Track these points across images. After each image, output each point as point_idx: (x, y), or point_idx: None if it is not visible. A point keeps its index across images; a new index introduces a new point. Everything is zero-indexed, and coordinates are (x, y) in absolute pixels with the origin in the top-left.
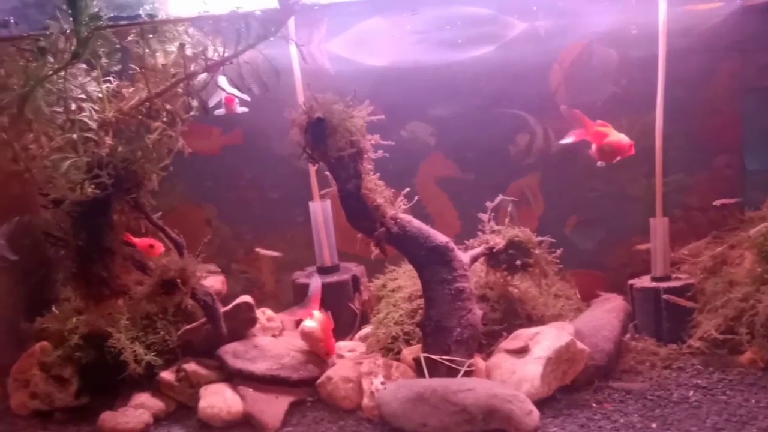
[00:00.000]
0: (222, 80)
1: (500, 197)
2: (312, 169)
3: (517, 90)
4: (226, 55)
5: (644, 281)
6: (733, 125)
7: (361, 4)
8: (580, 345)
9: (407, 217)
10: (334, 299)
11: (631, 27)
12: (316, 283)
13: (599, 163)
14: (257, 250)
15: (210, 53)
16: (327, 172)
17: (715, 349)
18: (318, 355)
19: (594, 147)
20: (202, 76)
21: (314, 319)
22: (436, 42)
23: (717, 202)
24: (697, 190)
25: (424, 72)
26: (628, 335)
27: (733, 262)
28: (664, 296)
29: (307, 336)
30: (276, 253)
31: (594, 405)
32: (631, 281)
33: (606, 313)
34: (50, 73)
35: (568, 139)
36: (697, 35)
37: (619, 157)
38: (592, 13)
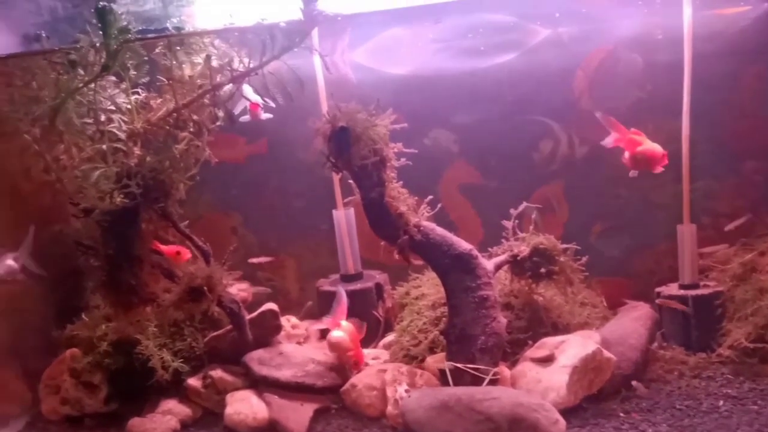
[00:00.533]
0: (246, 88)
1: (524, 204)
2: (336, 177)
3: (541, 96)
4: (251, 66)
5: (672, 289)
6: (760, 130)
7: (383, 14)
8: (606, 354)
9: (430, 225)
10: (358, 307)
11: (657, 31)
12: (340, 292)
13: (632, 173)
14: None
15: (236, 64)
16: (350, 181)
17: (746, 357)
18: (346, 365)
19: (627, 155)
20: (228, 87)
21: (342, 329)
22: (459, 50)
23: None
24: (725, 196)
25: (446, 80)
26: (655, 344)
27: (763, 270)
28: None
29: (335, 346)
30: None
31: (621, 414)
32: (658, 289)
33: (633, 322)
34: (81, 85)
35: (607, 141)
36: (724, 39)
37: (658, 167)
38: (616, 19)
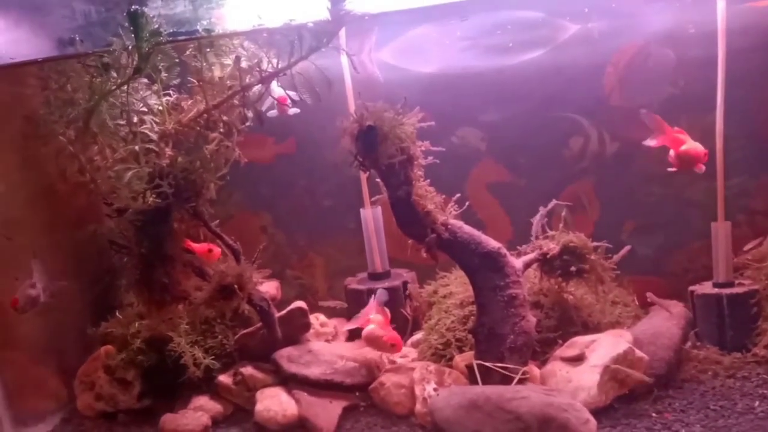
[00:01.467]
0: (274, 84)
1: (554, 202)
2: (363, 176)
3: (570, 93)
4: (279, 66)
5: (706, 287)
6: None
7: (410, 13)
8: (638, 353)
9: (458, 223)
10: (387, 305)
11: (689, 26)
12: (380, 295)
13: (670, 169)
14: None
15: (264, 65)
16: (378, 180)
17: None
18: (387, 352)
19: (672, 153)
20: (257, 88)
21: (372, 322)
22: (486, 47)
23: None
24: (762, 193)
25: (474, 77)
26: (689, 343)
27: None
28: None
29: (368, 339)
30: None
31: (654, 415)
32: (692, 287)
33: (665, 321)
34: (114, 87)
35: (650, 141)
36: (759, 33)
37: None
38: (647, 13)
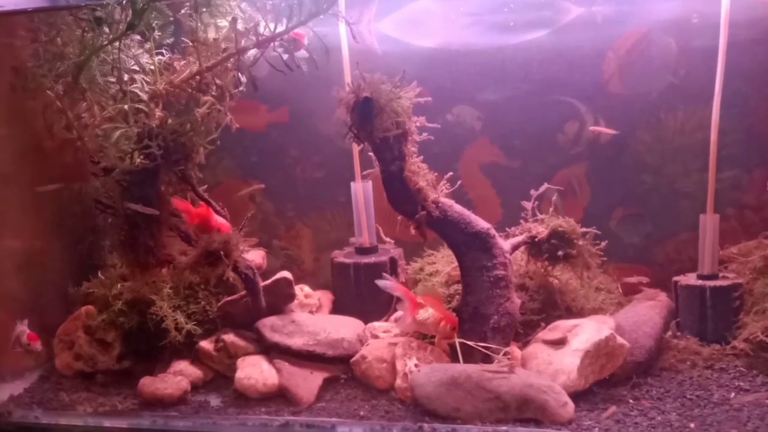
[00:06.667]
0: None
1: (545, 186)
2: (355, 149)
3: (569, 77)
4: (277, 31)
5: (690, 279)
6: None
7: None
8: (619, 339)
9: (449, 202)
10: (372, 280)
11: (693, 16)
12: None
13: None
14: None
15: (261, 29)
16: (371, 153)
17: (761, 351)
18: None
19: None
20: (252, 52)
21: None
22: (489, 25)
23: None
24: (754, 188)
25: (474, 55)
26: (669, 333)
27: None
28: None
29: (424, 327)
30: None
31: (631, 401)
32: (676, 278)
33: (648, 309)
34: (105, 43)
35: None
36: (764, 27)
37: None
38: (651, 1)
